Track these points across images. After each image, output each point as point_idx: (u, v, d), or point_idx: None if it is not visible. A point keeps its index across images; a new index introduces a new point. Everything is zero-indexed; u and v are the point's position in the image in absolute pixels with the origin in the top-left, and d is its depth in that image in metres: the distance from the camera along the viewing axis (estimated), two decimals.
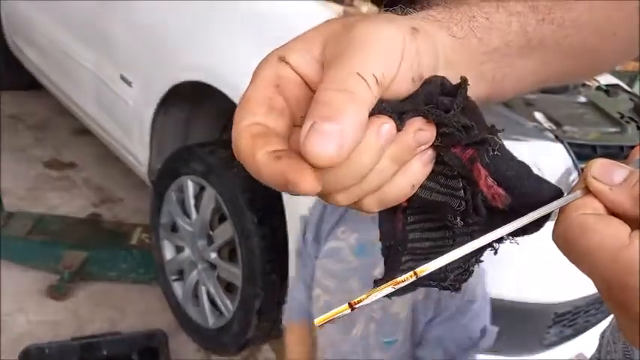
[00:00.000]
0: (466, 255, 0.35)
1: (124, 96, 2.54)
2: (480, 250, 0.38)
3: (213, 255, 2.19)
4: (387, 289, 0.34)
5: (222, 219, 2.15)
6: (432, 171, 0.36)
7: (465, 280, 0.39)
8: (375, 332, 1.24)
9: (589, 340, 1.85)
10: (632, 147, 0.37)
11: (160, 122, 2.41)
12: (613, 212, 0.33)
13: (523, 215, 0.35)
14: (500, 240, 0.37)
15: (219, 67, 2.04)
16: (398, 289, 0.35)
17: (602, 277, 0.32)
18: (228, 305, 2.16)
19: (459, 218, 0.37)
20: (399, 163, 0.35)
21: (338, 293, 1.27)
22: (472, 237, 0.36)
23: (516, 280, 1.61)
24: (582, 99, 1.99)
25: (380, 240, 0.39)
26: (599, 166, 0.34)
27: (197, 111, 2.48)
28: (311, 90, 0.34)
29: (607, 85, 2.15)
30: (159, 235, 2.39)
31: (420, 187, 0.37)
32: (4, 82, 3.93)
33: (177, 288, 2.37)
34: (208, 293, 2.23)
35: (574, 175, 1.58)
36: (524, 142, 1.62)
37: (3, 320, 2.26)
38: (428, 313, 1.18)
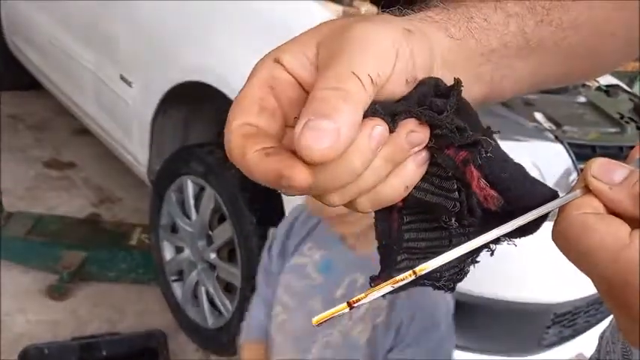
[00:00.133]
0: (462, 255, 0.35)
1: (123, 96, 2.54)
2: (476, 251, 0.38)
3: (213, 255, 2.19)
4: (386, 288, 0.34)
5: (221, 219, 2.15)
6: (427, 172, 0.36)
7: (460, 280, 0.39)
8: (333, 357, 1.17)
9: (588, 341, 1.85)
10: (632, 147, 0.37)
11: (160, 122, 2.41)
12: (613, 211, 0.33)
13: (520, 216, 0.35)
14: (497, 241, 0.37)
15: (219, 67, 2.04)
16: (395, 288, 0.35)
17: (603, 276, 0.32)
18: (227, 305, 2.16)
19: (453, 219, 0.37)
20: (393, 164, 0.35)
21: (297, 312, 1.21)
22: (469, 238, 0.36)
23: (516, 280, 1.61)
24: (582, 99, 1.99)
25: (376, 239, 0.39)
26: (598, 165, 0.34)
27: (197, 111, 2.48)
28: (305, 91, 0.34)
29: (607, 86, 2.16)
30: (158, 235, 2.39)
31: (415, 187, 0.37)
32: (3, 82, 3.92)
33: (177, 288, 2.37)
34: (207, 293, 2.23)
35: (574, 176, 1.58)
36: (523, 142, 1.62)
37: (2, 320, 2.25)
38: (389, 339, 1.11)
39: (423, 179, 0.37)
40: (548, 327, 1.74)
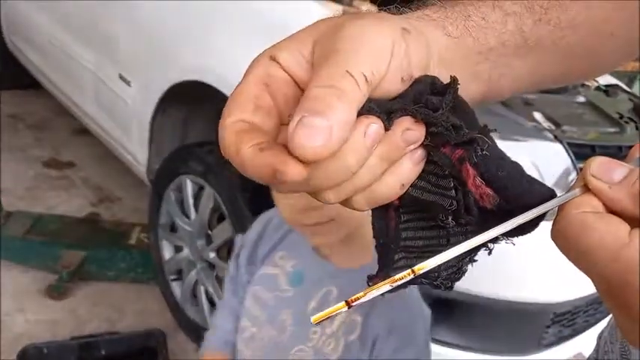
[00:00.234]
0: (460, 254, 0.35)
1: (123, 95, 2.54)
2: (474, 250, 0.38)
3: (212, 254, 2.18)
4: (385, 287, 0.34)
5: (221, 218, 2.14)
6: (423, 170, 0.36)
7: (458, 279, 0.39)
8: None
9: (588, 340, 1.85)
10: (631, 147, 0.37)
11: (159, 122, 2.41)
12: (612, 210, 0.33)
13: (518, 215, 0.35)
14: (495, 240, 0.37)
15: (218, 67, 2.04)
16: (394, 287, 0.34)
17: (602, 275, 0.32)
18: None
19: (450, 218, 0.37)
20: (388, 162, 0.35)
21: (267, 325, 1.13)
22: (466, 237, 0.36)
23: (515, 280, 1.61)
24: (581, 99, 1.99)
25: (373, 237, 0.39)
26: (598, 164, 0.34)
27: (196, 111, 2.48)
28: (300, 89, 0.34)
29: (606, 86, 2.16)
30: (157, 234, 2.39)
31: (412, 186, 0.37)
32: (3, 81, 3.92)
33: (176, 288, 2.37)
34: (207, 293, 2.23)
35: (573, 175, 1.58)
36: (523, 141, 1.62)
37: (2, 320, 2.25)
38: (364, 354, 1.05)
39: (420, 177, 0.37)
40: (548, 326, 1.74)
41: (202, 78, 2.07)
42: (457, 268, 0.39)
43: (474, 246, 0.35)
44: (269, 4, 1.96)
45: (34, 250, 2.54)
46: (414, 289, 1.09)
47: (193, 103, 2.43)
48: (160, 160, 2.41)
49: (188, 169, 2.19)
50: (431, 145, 0.35)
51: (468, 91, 0.39)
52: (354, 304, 0.33)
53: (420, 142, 0.35)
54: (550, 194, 0.36)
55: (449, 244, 0.36)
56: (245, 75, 0.35)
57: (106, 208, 3.06)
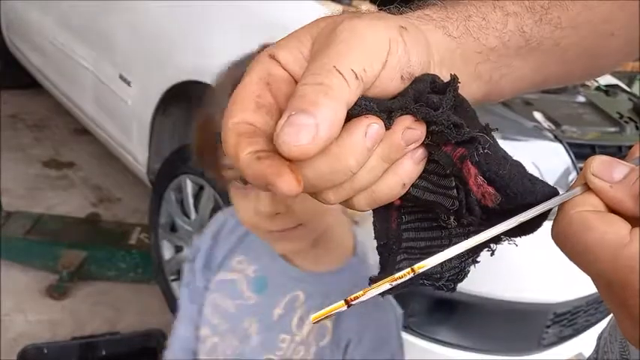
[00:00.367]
0: (463, 255, 0.35)
1: (123, 96, 2.54)
2: (477, 251, 0.37)
3: None
4: (385, 285, 0.34)
5: None
6: (425, 170, 0.36)
7: (461, 280, 0.39)
8: None
9: (588, 340, 1.85)
10: (631, 147, 0.36)
11: (159, 122, 2.41)
12: (613, 209, 0.33)
13: (519, 214, 0.35)
14: (497, 240, 0.36)
15: (217, 66, 2.04)
16: (394, 287, 0.34)
17: (603, 275, 0.32)
18: None
19: (452, 218, 0.37)
20: (389, 162, 0.34)
21: (230, 334, 1.07)
22: (468, 237, 0.35)
23: (515, 280, 1.61)
24: (581, 99, 1.99)
25: (375, 238, 0.39)
26: (598, 163, 0.34)
27: (196, 110, 2.48)
28: None
29: (606, 85, 2.16)
30: (158, 234, 2.39)
31: (413, 185, 0.36)
32: (3, 81, 3.92)
33: (176, 288, 2.36)
34: None
35: (573, 175, 1.58)
36: (523, 141, 1.62)
37: (2, 320, 2.25)
38: (336, 358, 1.00)
39: (421, 177, 0.36)
40: (548, 326, 1.74)
41: (202, 78, 2.06)
42: (460, 269, 0.38)
43: (475, 244, 0.35)
44: (268, 3, 1.96)
45: (35, 250, 2.54)
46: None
47: (193, 103, 2.43)
48: (160, 160, 2.40)
49: (188, 169, 2.18)
50: (432, 144, 0.35)
51: (468, 91, 0.39)
52: (353, 302, 0.33)
53: (420, 141, 0.35)
54: (553, 193, 0.36)
55: (451, 245, 0.36)
56: (246, 74, 0.35)
57: (106, 208, 3.06)
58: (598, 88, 2.12)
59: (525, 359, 1.76)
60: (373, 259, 0.99)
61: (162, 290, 2.43)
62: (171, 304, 2.39)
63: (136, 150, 2.58)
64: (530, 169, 0.36)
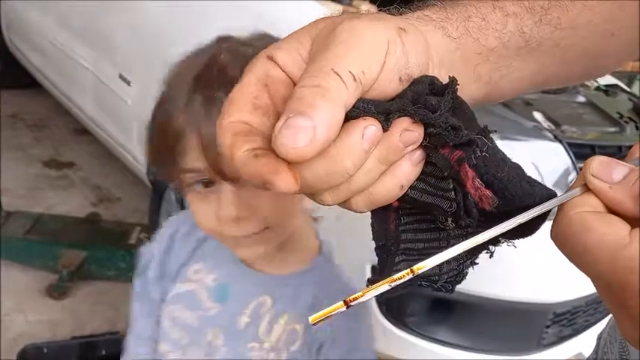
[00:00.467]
0: (461, 256, 0.35)
1: (123, 95, 2.54)
2: (475, 252, 0.37)
3: None
4: (384, 286, 0.34)
5: None
6: (423, 172, 0.36)
7: (459, 282, 0.39)
8: None
9: (588, 340, 1.85)
10: (631, 147, 0.36)
11: None
12: (612, 210, 0.33)
13: (517, 215, 0.35)
14: (496, 242, 0.36)
15: None
16: (393, 288, 0.34)
17: (602, 276, 0.32)
18: None
19: (450, 220, 0.37)
20: (386, 164, 0.34)
21: (193, 347, 1.00)
22: (466, 239, 0.35)
23: (515, 279, 1.61)
24: (581, 99, 1.99)
25: (373, 240, 0.39)
26: (598, 163, 0.34)
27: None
28: None
29: (606, 86, 2.16)
30: None
31: (411, 187, 0.36)
32: (3, 81, 3.92)
33: None
34: None
35: (573, 175, 1.58)
36: (523, 141, 1.62)
37: (2, 319, 2.25)
38: None
39: (419, 179, 0.36)
40: (548, 326, 1.74)
41: None
42: (458, 271, 0.38)
43: (473, 245, 0.34)
44: (269, 4, 1.96)
45: (34, 250, 2.54)
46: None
47: None
48: None
49: None
50: (430, 146, 0.35)
51: (468, 92, 0.38)
52: (352, 303, 0.33)
53: (418, 143, 0.35)
54: (551, 196, 0.35)
55: (449, 247, 0.36)
56: (244, 75, 0.35)
57: (106, 208, 3.06)
58: (598, 88, 2.12)
59: (525, 359, 1.76)
60: (338, 257, 0.98)
61: None
62: None
63: (136, 150, 2.58)
64: (530, 170, 0.36)
